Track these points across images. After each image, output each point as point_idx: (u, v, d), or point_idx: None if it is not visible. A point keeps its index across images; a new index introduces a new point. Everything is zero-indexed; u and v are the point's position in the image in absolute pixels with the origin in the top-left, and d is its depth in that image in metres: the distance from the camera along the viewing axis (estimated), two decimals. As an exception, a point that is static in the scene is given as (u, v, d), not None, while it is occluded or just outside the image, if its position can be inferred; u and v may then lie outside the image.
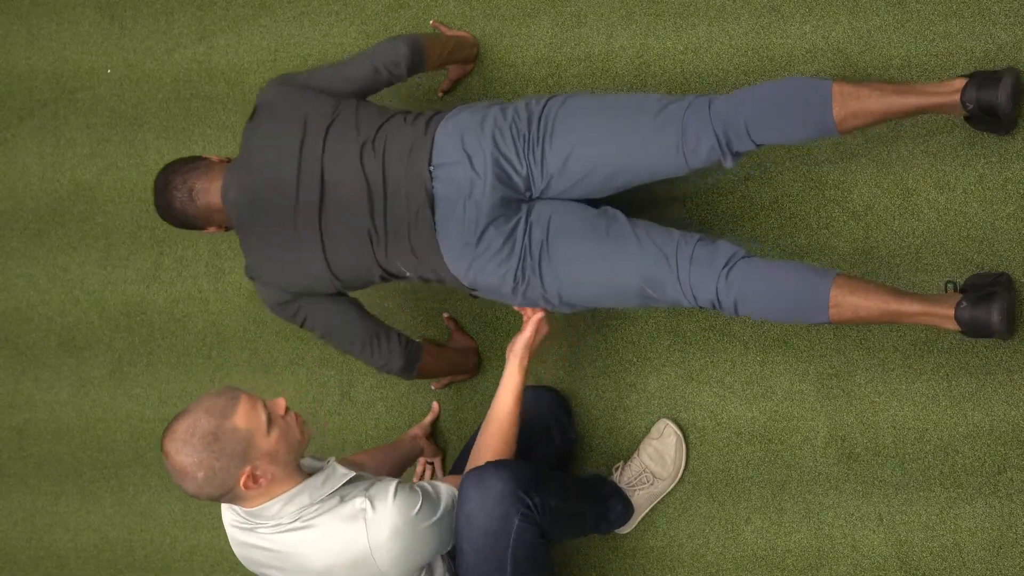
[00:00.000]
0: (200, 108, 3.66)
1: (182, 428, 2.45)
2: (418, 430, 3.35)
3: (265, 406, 2.53)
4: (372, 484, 2.66)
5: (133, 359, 3.72)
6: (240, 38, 3.63)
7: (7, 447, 3.87)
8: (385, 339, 3.06)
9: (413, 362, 3.09)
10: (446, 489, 2.74)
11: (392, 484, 2.64)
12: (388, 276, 2.95)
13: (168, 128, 3.69)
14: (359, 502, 2.59)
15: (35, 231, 3.84)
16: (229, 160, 3.06)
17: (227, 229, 3.06)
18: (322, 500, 2.60)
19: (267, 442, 2.49)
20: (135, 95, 3.73)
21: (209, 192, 2.97)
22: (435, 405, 3.40)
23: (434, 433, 3.40)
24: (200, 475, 2.45)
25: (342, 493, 2.63)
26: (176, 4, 3.70)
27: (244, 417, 2.47)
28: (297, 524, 2.60)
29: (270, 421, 2.50)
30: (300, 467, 2.63)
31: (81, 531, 3.78)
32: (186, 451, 2.44)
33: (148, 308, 3.71)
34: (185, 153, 3.66)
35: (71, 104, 3.81)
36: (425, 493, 2.68)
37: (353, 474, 2.66)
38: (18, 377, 3.85)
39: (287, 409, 2.57)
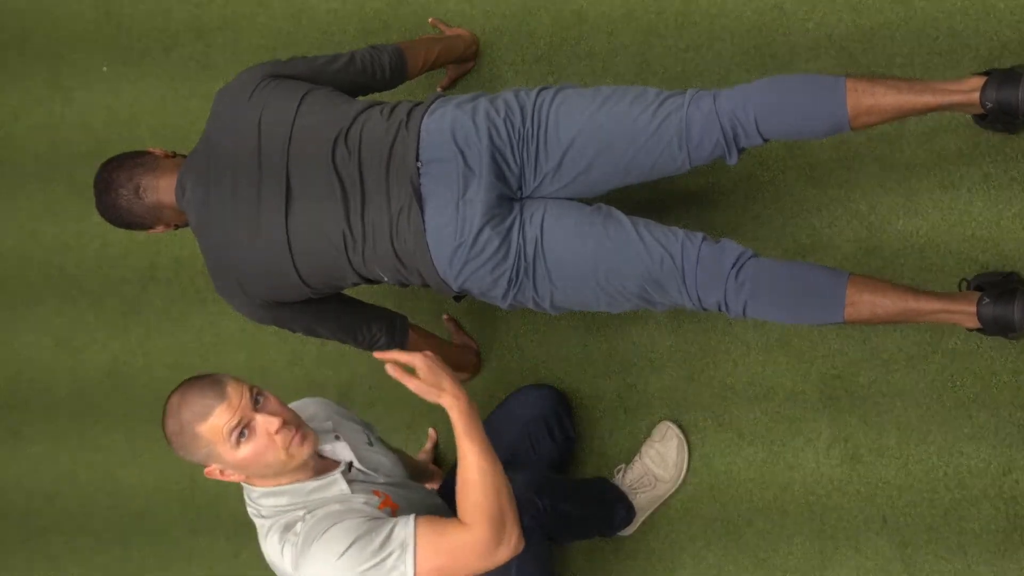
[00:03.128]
0: (198, 107, 3.65)
1: (172, 402, 2.41)
2: (423, 455, 3.32)
3: (246, 420, 2.38)
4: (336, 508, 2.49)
5: (130, 359, 3.71)
6: (238, 37, 3.62)
7: (5, 447, 3.86)
8: (367, 328, 3.00)
9: (400, 343, 3.05)
10: (402, 530, 2.44)
11: (335, 525, 2.43)
12: (363, 281, 2.79)
13: (167, 127, 3.68)
14: (298, 527, 2.46)
15: (32, 230, 3.83)
16: (175, 154, 2.88)
17: (176, 227, 2.89)
18: (301, 506, 2.50)
19: (233, 456, 2.39)
20: (132, 93, 3.72)
21: (158, 189, 2.78)
22: (432, 432, 3.37)
23: (436, 459, 3.38)
24: (175, 450, 2.43)
25: (316, 507, 2.49)
26: (174, 2, 3.69)
27: (210, 429, 2.37)
28: (266, 520, 2.52)
29: (244, 436, 2.38)
30: (306, 463, 2.51)
31: (78, 533, 3.77)
32: (167, 423, 2.41)
33: (145, 308, 3.70)
34: (185, 153, 3.65)
35: (67, 103, 3.80)
36: (373, 532, 2.43)
37: (348, 495, 2.51)
38: (17, 378, 3.85)
39: (281, 428, 2.40)
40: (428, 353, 2.48)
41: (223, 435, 2.37)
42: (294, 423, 2.44)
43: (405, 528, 2.42)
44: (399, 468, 2.76)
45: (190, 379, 2.42)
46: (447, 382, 2.46)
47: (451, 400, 2.45)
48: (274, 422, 2.39)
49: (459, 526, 2.42)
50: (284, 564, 2.46)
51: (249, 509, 2.55)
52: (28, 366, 3.82)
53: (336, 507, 2.47)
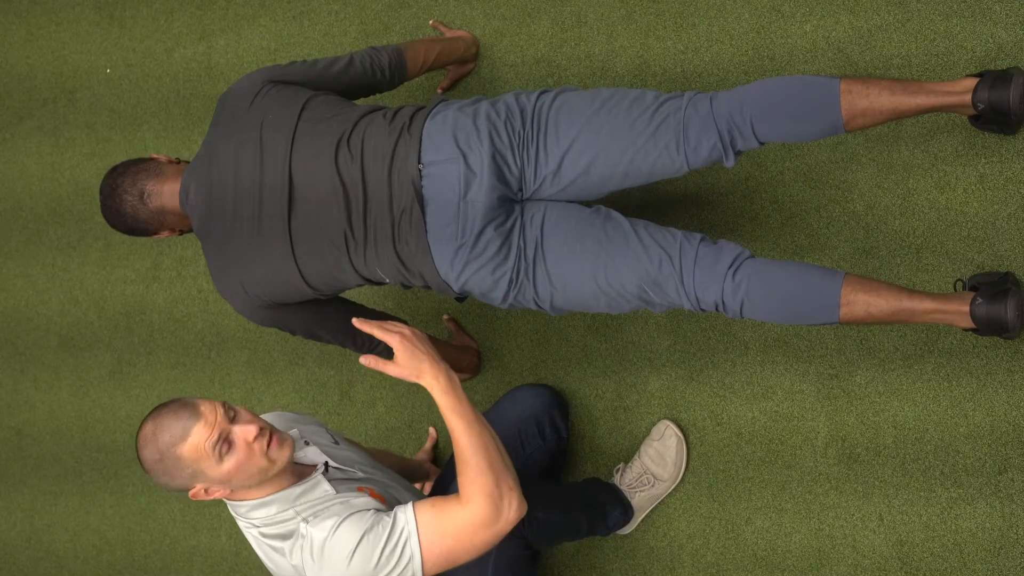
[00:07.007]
0: (200, 108, 3.65)
1: (144, 432, 2.40)
2: (422, 455, 3.33)
3: (225, 433, 2.39)
4: (340, 508, 2.50)
5: (133, 359, 3.72)
6: (240, 38, 3.62)
7: (6, 447, 3.86)
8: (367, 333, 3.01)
9: None
10: (403, 517, 2.48)
11: (342, 524, 2.45)
12: (365, 282, 2.81)
13: (168, 128, 3.69)
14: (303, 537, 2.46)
15: (34, 230, 3.84)
16: (179, 160, 2.90)
17: (181, 233, 2.90)
18: (292, 511, 2.50)
19: (217, 471, 2.39)
20: (135, 95, 3.73)
21: (162, 194, 2.81)
22: (432, 431, 3.38)
23: (436, 459, 3.39)
24: (157, 479, 2.43)
25: (314, 510, 2.50)
26: (176, 4, 3.69)
27: (192, 448, 2.36)
28: (261, 531, 2.53)
29: (227, 449, 2.39)
30: (286, 470, 2.51)
31: (80, 532, 3.77)
32: (145, 453, 2.41)
33: (148, 308, 3.71)
34: (187, 154, 3.66)
35: (71, 104, 3.81)
36: (378, 525, 2.46)
37: (333, 494, 2.52)
38: (17, 377, 3.85)
39: (259, 435, 2.41)
40: (405, 332, 2.51)
41: (206, 451, 2.36)
42: (269, 429, 2.44)
43: (406, 515, 2.44)
44: (368, 457, 2.78)
45: (157, 407, 2.42)
46: (426, 363, 2.49)
47: (430, 381, 2.49)
48: (251, 430, 2.40)
49: (458, 505, 2.45)
50: (290, 568, 2.47)
51: (240, 523, 2.56)
52: (32, 365, 3.83)
53: (338, 506, 2.49)
